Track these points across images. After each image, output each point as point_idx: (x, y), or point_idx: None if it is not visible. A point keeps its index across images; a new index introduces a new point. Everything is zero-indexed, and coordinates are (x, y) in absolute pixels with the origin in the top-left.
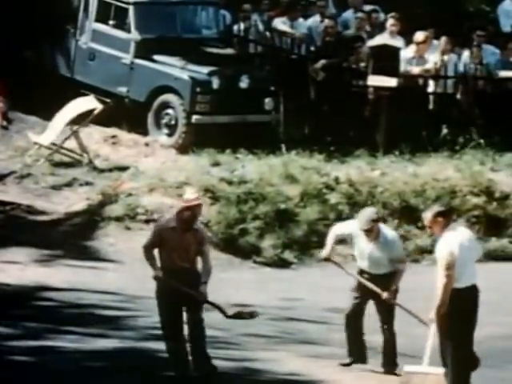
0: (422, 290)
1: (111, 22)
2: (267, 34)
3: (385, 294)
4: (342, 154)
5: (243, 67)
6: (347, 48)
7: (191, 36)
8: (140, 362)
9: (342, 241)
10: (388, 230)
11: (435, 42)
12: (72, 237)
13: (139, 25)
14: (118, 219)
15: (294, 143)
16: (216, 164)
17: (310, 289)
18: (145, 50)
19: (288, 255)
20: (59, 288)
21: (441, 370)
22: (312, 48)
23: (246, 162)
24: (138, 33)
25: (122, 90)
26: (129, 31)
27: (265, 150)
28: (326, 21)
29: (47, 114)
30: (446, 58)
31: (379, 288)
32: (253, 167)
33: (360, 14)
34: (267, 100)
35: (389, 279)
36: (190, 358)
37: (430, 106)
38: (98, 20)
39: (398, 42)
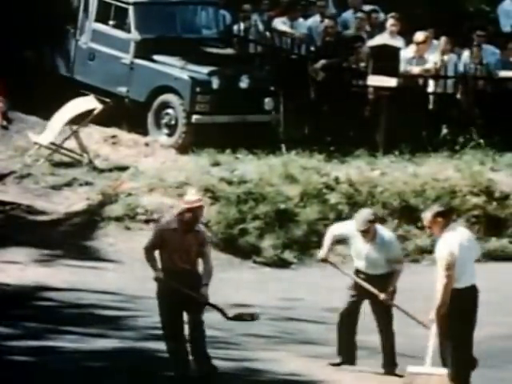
0: (421, 290)
1: (111, 22)
2: (267, 34)
3: (382, 295)
4: (341, 154)
5: (243, 67)
6: (347, 48)
7: (191, 36)
8: (140, 362)
9: (341, 241)
10: (385, 231)
11: (435, 42)
12: (72, 237)
13: (139, 25)
14: (118, 219)
15: (294, 143)
16: (216, 164)
17: (309, 289)
18: (145, 50)
19: (288, 255)
20: (59, 288)
21: (444, 371)
22: (312, 48)
23: (245, 161)
24: (138, 33)
25: (122, 89)
26: (129, 31)
27: (265, 150)
28: (326, 21)
29: (47, 113)
30: (445, 57)
31: (376, 289)
32: (253, 167)
33: (360, 14)
34: (267, 100)
35: (386, 280)
36: (190, 358)
37: (430, 106)
38: (97, 20)
39: (397, 42)
